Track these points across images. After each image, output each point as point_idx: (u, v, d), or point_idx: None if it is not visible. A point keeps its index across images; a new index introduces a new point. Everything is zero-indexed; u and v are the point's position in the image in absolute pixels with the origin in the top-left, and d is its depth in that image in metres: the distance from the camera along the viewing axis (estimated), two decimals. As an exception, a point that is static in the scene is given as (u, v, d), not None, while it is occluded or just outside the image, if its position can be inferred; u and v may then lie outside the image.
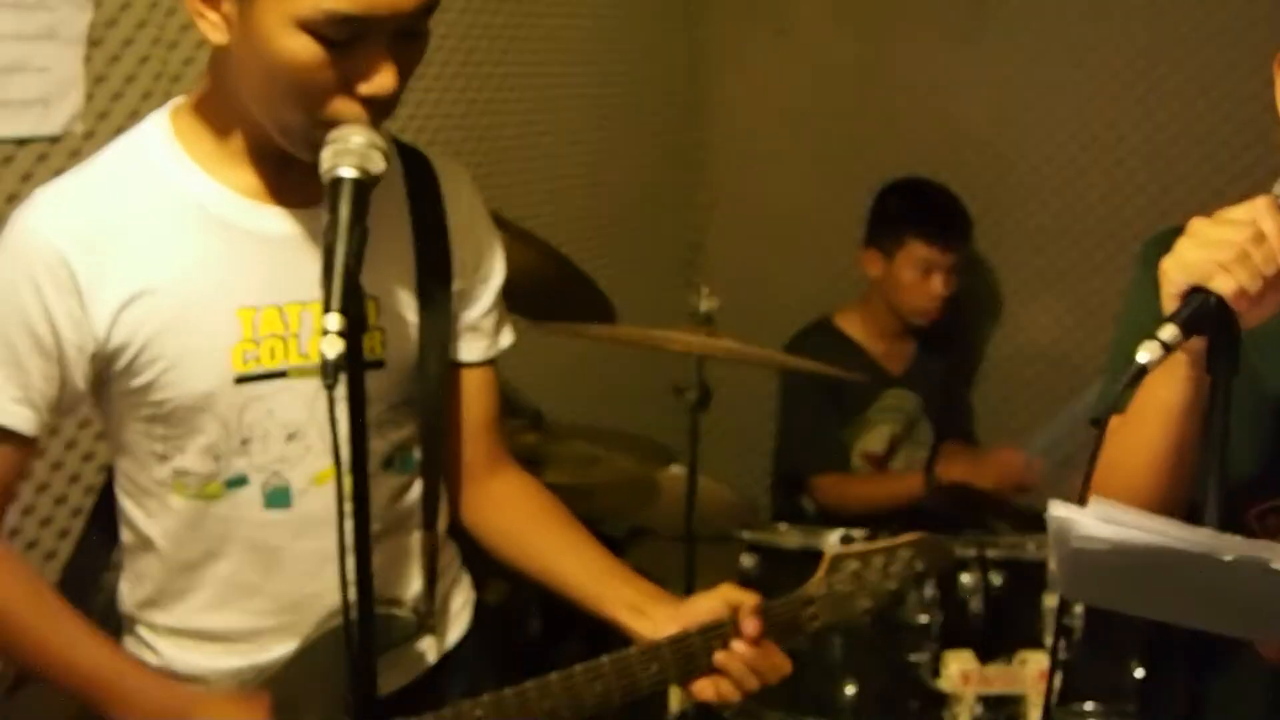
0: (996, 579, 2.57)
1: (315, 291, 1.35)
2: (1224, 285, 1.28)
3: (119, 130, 2.35)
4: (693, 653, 1.70)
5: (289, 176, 1.57)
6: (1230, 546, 1.15)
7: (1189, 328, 1.28)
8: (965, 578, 2.54)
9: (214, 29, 1.47)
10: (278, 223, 1.60)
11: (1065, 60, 3.62)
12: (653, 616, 1.73)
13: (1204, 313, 1.29)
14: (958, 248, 3.47)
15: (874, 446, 3.56)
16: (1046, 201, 3.73)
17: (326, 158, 1.41)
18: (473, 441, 1.84)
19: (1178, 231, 1.37)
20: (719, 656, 1.70)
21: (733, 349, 2.40)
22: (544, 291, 2.81)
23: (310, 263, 1.51)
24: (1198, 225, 1.34)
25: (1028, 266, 3.79)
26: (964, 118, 3.81)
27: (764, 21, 4.04)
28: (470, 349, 1.81)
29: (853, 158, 3.98)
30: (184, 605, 1.69)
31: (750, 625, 1.70)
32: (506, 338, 1.87)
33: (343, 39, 1.42)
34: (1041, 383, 3.81)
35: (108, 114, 2.42)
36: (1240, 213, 1.32)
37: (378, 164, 1.41)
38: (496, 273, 1.82)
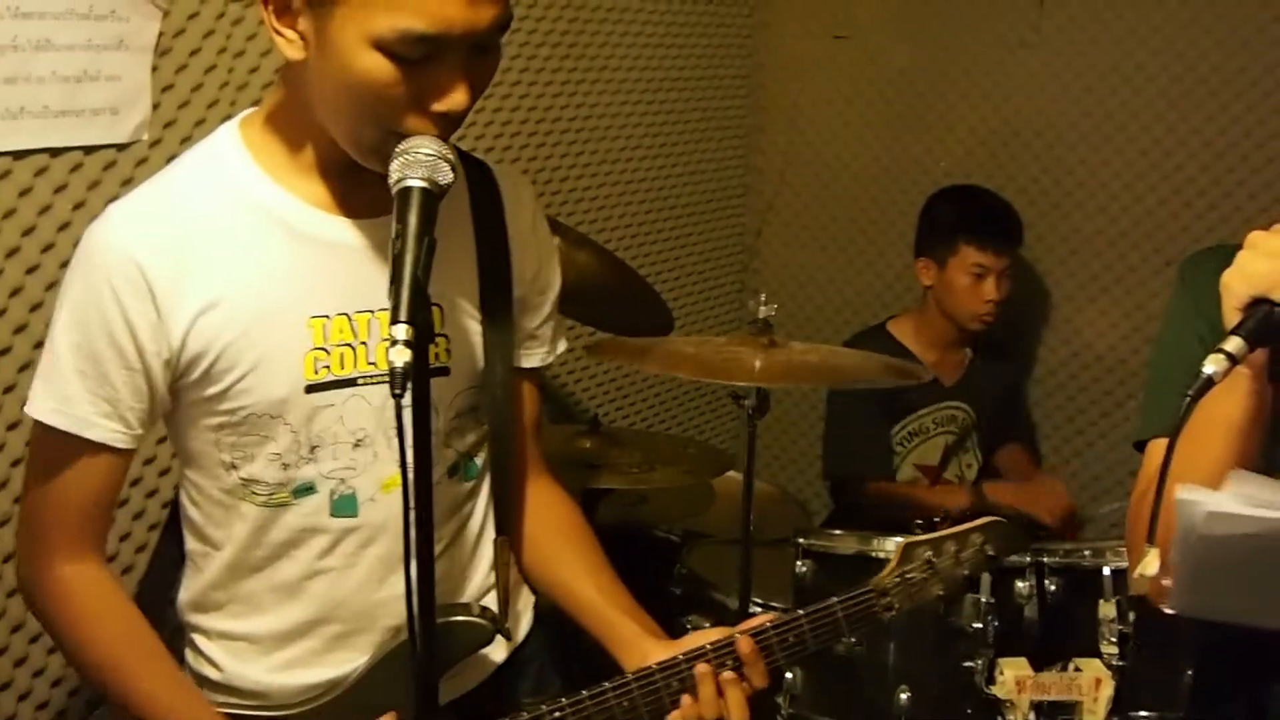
0: (1052, 585, 2.56)
1: (383, 300, 1.37)
2: None
3: (185, 139, 2.43)
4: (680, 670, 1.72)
5: (358, 187, 1.60)
6: None
7: (1255, 339, 1.29)
8: (1020, 584, 2.53)
9: (291, 46, 1.50)
10: (347, 232, 1.62)
11: (1124, 65, 3.60)
12: (648, 650, 1.75)
13: (1269, 323, 1.29)
14: (1009, 251, 3.47)
15: (928, 459, 3.57)
16: (1104, 206, 3.70)
17: (396, 168, 1.43)
18: (520, 446, 1.87)
19: (1215, 251, 1.38)
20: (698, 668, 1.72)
21: (791, 365, 2.39)
22: (603, 298, 2.84)
23: (379, 272, 1.54)
24: (1258, 237, 1.35)
25: (1084, 272, 3.77)
26: (1021, 123, 3.79)
27: (823, 27, 4.04)
28: (529, 356, 1.84)
29: (910, 163, 3.99)
30: (245, 609, 1.72)
31: (744, 644, 1.73)
32: (560, 345, 1.90)
33: (418, 57, 1.44)
34: (1098, 388, 3.79)
35: (174, 122, 2.46)
36: None
37: (446, 175, 1.44)
38: (555, 281, 1.84)
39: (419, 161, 1.43)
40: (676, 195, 3.95)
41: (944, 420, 3.57)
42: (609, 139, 3.64)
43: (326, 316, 1.61)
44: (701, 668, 1.71)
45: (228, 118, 1.69)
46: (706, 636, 1.76)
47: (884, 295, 4.06)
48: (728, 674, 1.72)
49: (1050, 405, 3.87)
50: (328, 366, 1.62)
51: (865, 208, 4.10)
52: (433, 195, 1.42)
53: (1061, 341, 3.84)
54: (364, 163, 1.53)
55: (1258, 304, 1.31)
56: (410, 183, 1.41)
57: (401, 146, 1.44)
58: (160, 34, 2.41)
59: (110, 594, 1.67)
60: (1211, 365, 1.27)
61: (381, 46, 1.43)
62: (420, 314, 1.35)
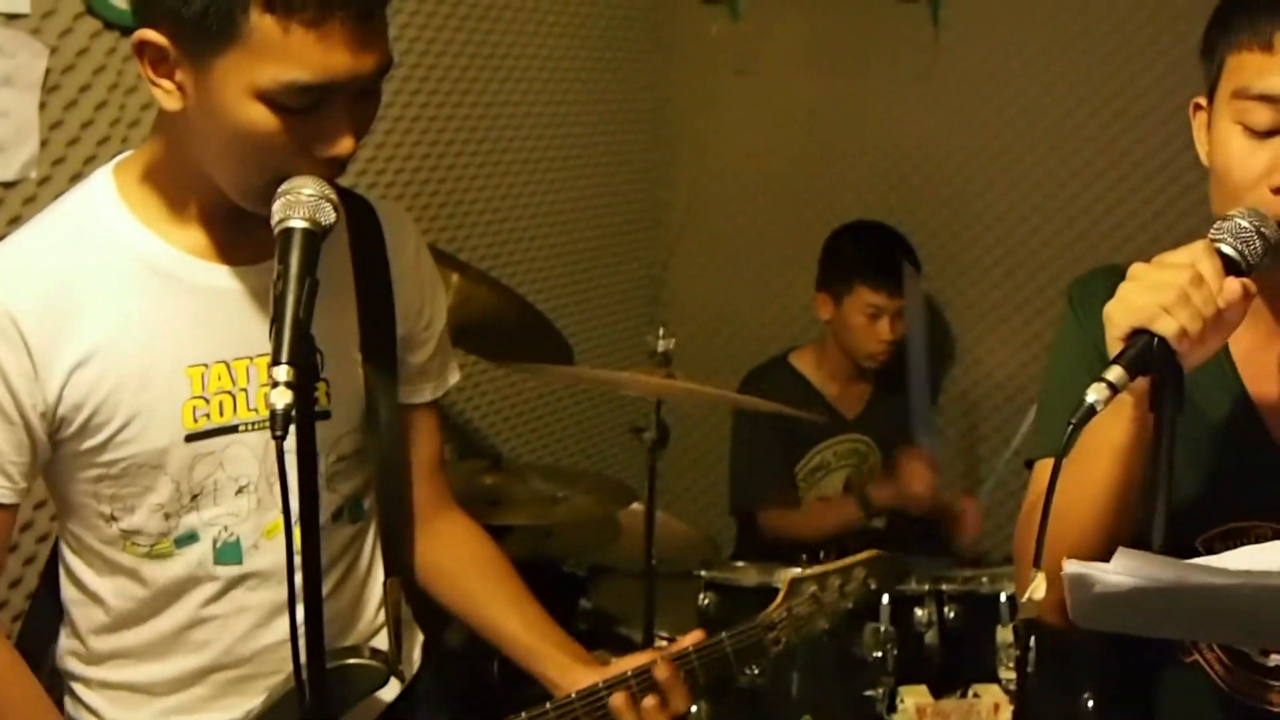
0: (951, 612, 2.59)
1: (264, 346, 1.36)
2: (1166, 327, 1.31)
3: (75, 176, 2.41)
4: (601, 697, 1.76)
5: (239, 234, 1.59)
6: (1250, 582, 1.18)
7: (1134, 369, 1.31)
8: (919, 612, 2.56)
9: (169, 97, 1.48)
10: (227, 280, 1.61)
11: (1018, 99, 3.67)
12: (579, 678, 1.77)
13: (1148, 354, 1.32)
14: (904, 293, 3.48)
15: (829, 493, 3.59)
16: (1001, 237, 3.77)
17: (277, 209, 1.42)
18: (419, 483, 1.87)
19: (1102, 273, 1.41)
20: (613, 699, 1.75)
21: (689, 389, 2.43)
22: (503, 333, 2.85)
23: (259, 318, 1.53)
24: (1139, 269, 1.37)
25: (983, 301, 3.83)
26: (920, 155, 3.85)
27: (727, 62, 4.08)
28: (416, 392, 1.83)
29: (814, 197, 4.03)
30: (129, 661, 1.69)
31: (661, 669, 1.77)
32: (452, 376, 1.89)
33: (302, 106, 1.43)
34: (999, 416, 3.84)
35: (64, 160, 2.43)
36: (1180, 256, 1.36)
37: (328, 215, 1.43)
38: (440, 316, 1.84)
39: (300, 202, 1.42)
40: (584, 229, 3.96)
41: (845, 454, 3.59)
42: (514, 174, 3.65)
43: (205, 365, 1.60)
44: (617, 700, 1.73)
45: (120, 153, 1.68)
46: (629, 663, 1.78)
47: (791, 327, 4.09)
48: (649, 701, 1.74)
49: (953, 434, 3.92)
50: (207, 415, 1.60)
51: (771, 240, 4.13)
52: (315, 235, 1.41)
53: (962, 371, 3.89)
54: (249, 208, 1.52)
55: (1138, 334, 1.33)
56: (292, 223, 1.40)
57: (283, 187, 1.43)
58: (48, 70, 2.39)
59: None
60: (1093, 394, 1.29)
61: (265, 97, 1.42)
62: (303, 355, 1.34)
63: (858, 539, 3.09)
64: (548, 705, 1.75)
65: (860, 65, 3.89)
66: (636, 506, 3.04)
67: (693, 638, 1.84)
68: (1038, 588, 1.31)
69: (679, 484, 4.30)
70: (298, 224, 1.40)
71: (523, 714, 1.73)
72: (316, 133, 1.46)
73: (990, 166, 3.75)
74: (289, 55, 1.40)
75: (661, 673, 1.76)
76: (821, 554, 1.96)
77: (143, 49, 1.46)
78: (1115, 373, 1.30)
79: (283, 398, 1.29)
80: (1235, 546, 1.55)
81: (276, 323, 1.34)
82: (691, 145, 4.20)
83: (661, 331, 2.41)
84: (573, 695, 1.75)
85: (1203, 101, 1.51)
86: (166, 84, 1.47)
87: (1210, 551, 1.57)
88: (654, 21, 4.12)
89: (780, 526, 3.48)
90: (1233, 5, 1.45)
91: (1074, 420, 1.29)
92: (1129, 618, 1.36)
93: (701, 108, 4.16)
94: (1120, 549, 1.24)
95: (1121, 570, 1.23)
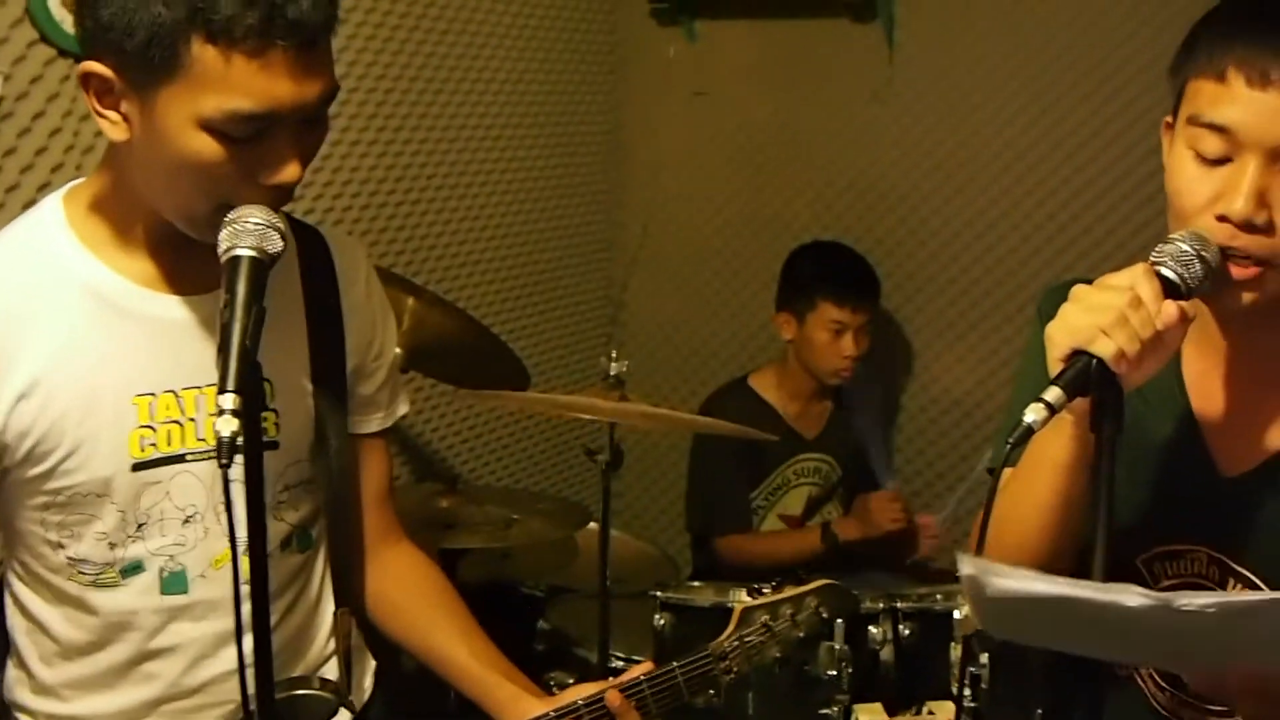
0: (906, 630, 2.60)
1: (212, 376, 1.35)
2: (1104, 349, 1.32)
3: (28, 203, 2.39)
4: None
5: (187, 263, 1.59)
6: (1133, 595, 1.19)
7: (1072, 389, 1.33)
8: (874, 630, 2.57)
9: (114, 128, 1.48)
10: (175, 309, 1.61)
11: (972, 118, 3.71)
12: (526, 709, 1.78)
13: (1086, 375, 1.33)
14: (867, 308, 3.53)
15: (791, 510, 3.61)
16: (956, 255, 3.80)
17: (224, 238, 1.42)
18: (369, 514, 1.87)
19: (1072, 285, 1.43)
20: None
21: (644, 414, 2.44)
22: (459, 357, 2.85)
23: (207, 348, 1.53)
24: (1080, 290, 1.39)
25: (940, 319, 3.86)
26: (876, 175, 3.88)
27: (682, 84, 4.11)
28: (366, 422, 1.83)
29: (771, 217, 4.06)
30: (77, 692, 1.69)
31: (614, 697, 1.78)
32: (401, 407, 1.90)
33: (246, 135, 1.44)
34: (957, 432, 3.87)
35: (17, 187, 2.43)
36: (1120, 279, 1.37)
37: (275, 244, 1.43)
38: (390, 346, 1.85)
39: (247, 230, 1.42)
40: (540, 252, 3.97)
41: (806, 472, 3.61)
42: (470, 197, 3.65)
43: (152, 394, 1.60)
44: None
45: (74, 179, 1.68)
46: (579, 692, 1.78)
47: (749, 347, 4.11)
48: None
49: (911, 451, 3.95)
50: (154, 444, 1.60)
51: (728, 260, 4.16)
52: (262, 264, 1.41)
53: (920, 388, 3.92)
54: (196, 236, 1.52)
55: (1077, 355, 1.34)
56: (239, 252, 1.40)
57: (230, 216, 1.44)
58: (1, 97, 2.39)
59: None
60: (1031, 414, 1.30)
61: (209, 127, 1.43)
62: (250, 383, 1.34)
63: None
64: None
65: (815, 86, 3.92)
66: (594, 527, 3.05)
67: (643, 668, 1.84)
68: None
69: (638, 503, 4.32)
70: (244, 252, 1.40)
71: None
72: (262, 161, 1.46)
73: (945, 185, 3.79)
74: (231, 85, 1.40)
75: (614, 700, 1.76)
76: (775, 581, 1.97)
77: (88, 80, 1.47)
78: (1053, 393, 1.32)
79: (229, 425, 1.29)
80: (1174, 568, 1.58)
81: (223, 351, 1.34)
82: (648, 167, 4.22)
83: (615, 354, 2.42)
84: None
85: (1171, 120, 1.52)
86: (113, 115, 1.48)
87: (1150, 572, 1.59)
88: (609, 44, 4.14)
89: (737, 552, 3.49)
90: (1199, 31, 1.47)
91: (1011, 440, 1.30)
92: (1027, 626, 1.37)
93: (658, 129, 4.18)
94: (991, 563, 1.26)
95: (1006, 576, 1.24)
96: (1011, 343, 3.69)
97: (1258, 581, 1.51)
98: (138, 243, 1.60)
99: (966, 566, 1.25)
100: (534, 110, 3.86)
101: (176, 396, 1.61)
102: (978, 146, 3.72)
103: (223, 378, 1.32)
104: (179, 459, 1.62)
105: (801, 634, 1.95)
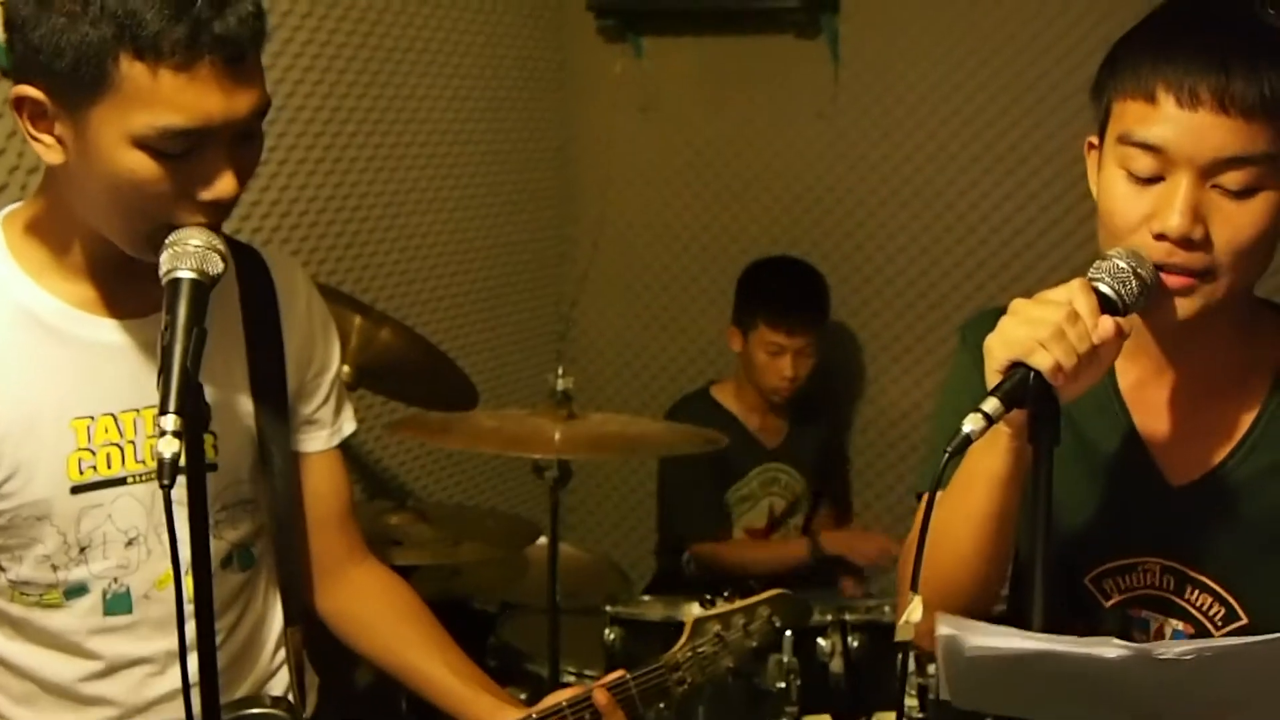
0: (855, 642, 2.62)
1: (152, 399, 1.36)
2: (1041, 361, 1.35)
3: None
4: None
5: (127, 287, 1.60)
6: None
7: (1009, 401, 1.35)
8: (823, 641, 2.59)
9: (49, 150, 1.49)
10: (114, 334, 1.61)
11: (916, 134, 3.76)
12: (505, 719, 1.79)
13: (1023, 387, 1.36)
14: (807, 332, 3.53)
15: (756, 523, 3.64)
16: (903, 270, 3.85)
17: (165, 260, 1.43)
18: (327, 532, 1.87)
19: (993, 314, 1.45)
20: None
21: (591, 442, 2.44)
22: (407, 375, 2.85)
23: (147, 371, 1.53)
24: (1019, 304, 1.41)
25: (887, 333, 3.90)
26: (822, 190, 3.92)
27: (631, 100, 4.13)
28: (310, 440, 1.84)
29: (719, 232, 4.09)
30: (31, 714, 1.68)
31: (600, 696, 1.78)
32: (348, 425, 1.90)
33: (180, 151, 1.44)
34: (905, 444, 3.91)
35: (-41, 208, 2.41)
36: (1058, 294, 1.40)
37: (215, 265, 1.44)
38: (332, 364, 1.85)
39: (188, 253, 1.43)
40: (490, 269, 3.97)
41: (769, 482, 3.65)
42: (418, 214, 3.65)
43: (90, 417, 1.60)
44: None
45: (19, 200, 1.68)
46: (559, 697, 1.80)
47: (699, 361, 4.13)
48: None
49: (861, 463, 3.98)
50: (94, 467, 1.60)
51: (677, 275, 4.18)
52: (202, 286, 1.42)
53: (867, 401, 3.96)
54: (136, 255, 1.52)
55: (1015, 367, 1.37)
56: (179, 274, 1.41)
57: (171, 238, 1.44)
58: (-55, 119, 2.37)
59: None
60: (969, 424, 1.32)
61: (142, 144, 1.43)
62: (190, 404, 1.34)
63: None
64: None
65: (761, 102, 3.96)
66: (544, 542, 3.05)
67: (607, 680, 1.84)
68: (913, 611, 1.34)
69: (595, 515, 4.33)
70: (185, 274, 1.41)
71: None
72: (197, 177, 1.47)
73: (891, 200, 3.83)
74: (161, 100, 1.41)
75: (602, 699, 1.78)
76: (725, 592, 1.98)
77: (21, 104, 1.47)
78: (991, 404, 1.34)
79: (170, 447, 1.29)
80: (1125, 582, 1.59)
81: (164, 373, 1.34)
82: (596, 183, 4.24)
83: (561, 370, 2.43)
84: None
85: (1095, 140, 1.55)
86: (47, 138, 1.48)
87: (1100, 590, 1.61)
88: (557, 61, 4.15)
89: (714, 558, 3.51)
90: (1120, 52, 1.49)
91: (950, 449, 1.32)
92: (997, 691, 1.36)
93: (606, 145, 4.20)
94: (985, 624, 1.28)
95: (984, 633, 1.26)
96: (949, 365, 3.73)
97: (1218, 588, 1.54)
98: (75, 266, 1.60)
99: (944, 626, 1.27)
100: (482, 127, 3.86)
101: (115, 419, 1.61)
102: (921, 161, 3.77)
103: (164, 399, 1.33)
104: (120, 482, 1.62)
105: (754, 644, 1.96)
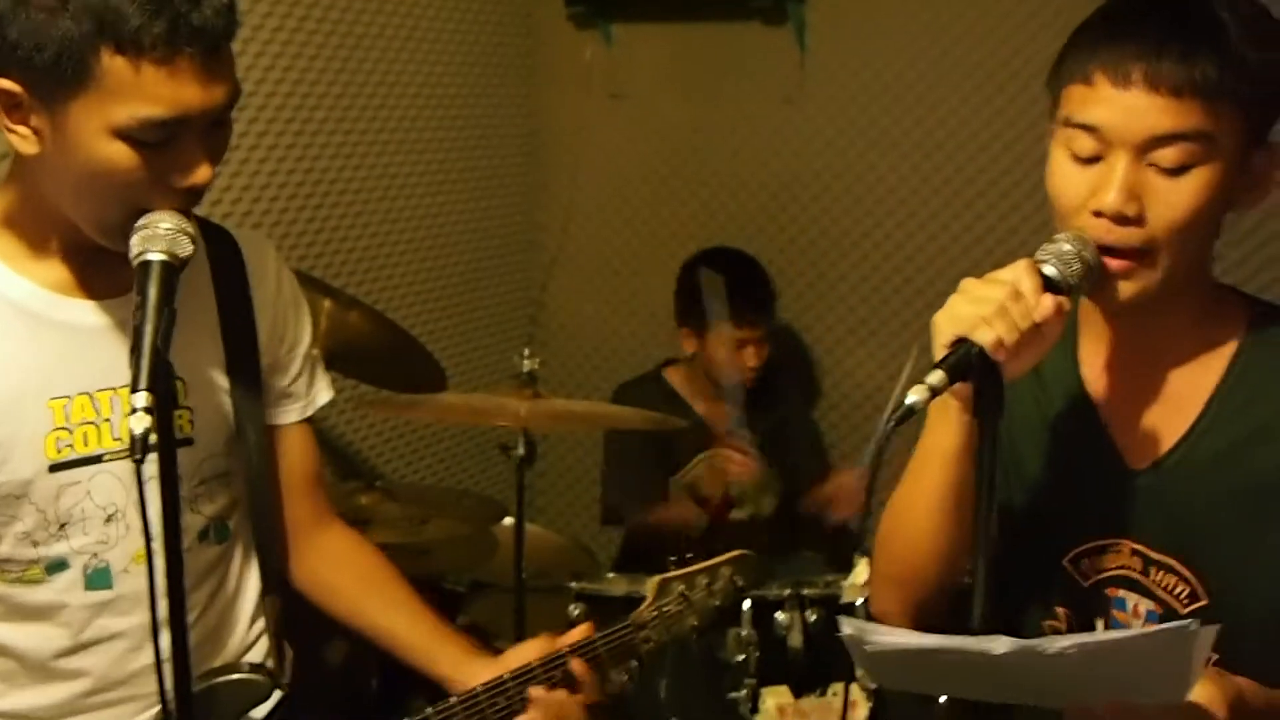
0: (812, 616, 2.67)
1: (125, 377, 1.39)
2: (984, 336, 1.40)
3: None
4: (507, 690, 1.81)
5: (100, 268, 1.63)
6: (1000, 643, 1.27)
7: (953, 374, 1.40)
8: (781, 616, 2.65)
9: (24, 142, 1.52)
10: (88, 315, 1.65)
11: (880, 120, 3.81)
12: (476, 670, 1.84)
13: (967, 360, 1.41)
14: (763, 320, 3.57)
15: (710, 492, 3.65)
16: (866, 254, 3.90)
17: (136, 243, 1.47)
18: (297, 499, 1.92)
19: None
20: (531, 691, 1.82)
21: (553, 413, 2.50)
22: (376, 358, 2.89)
23: (120, 350, 1.56)
24: (968, 283, 1.47)
25: (851, 316, 3.96)
26: (789, 176, 3.97)
27: (599, 86, 4.17)
28: (284, 413, 1.89)
29: (688, 217, 4.14)
30: (12, 688, 1.72)
31: (577, 665, 1.84)
32: (323, 395, 1.95)
33: (158, 141, 1.49)
34: (868, 426, 3.96)
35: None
36: (1004, 273, 1.46)
37: (185, 248, 1.48)
38: (304, 338, 1.90)
39: (158, 235, 1.46)
40: (458, 253, 4.01)
41: (716, 469, 3.63)
42: (388, 199, 3.69)
43: (67, 397, 1.64)
44: (535, 692, 1.80)
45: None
46: (528, 655, 1.84)
47: (666, 346, 4.16)
48: (560, 694, 1.81)
49: (824, 443, 4.03)
50: (71, 445, 1.64)
51: (645, 260, 4.23)
52: (172, 267, 1.45)
53: (830, 385, 4.02)
54: (108, 244, 1.56)
55: (960, 343, 1.42)
56: (150, 256, 1.45)
57: (141, 222, 1.48)
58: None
59: None
60: (914, 395, 1.37)
61: (122, 135, 1.47)
62: (161, 382, 1.38)
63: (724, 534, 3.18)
64: (452, 699, 1.79)
65: (729, 89, 4.01)
66: (510, 521, 3.10)
67: (574, 635, 1.89)
68: (858, 573, 1.40)
69: (565, 496, 4.38)
70: (155, 256, 1.45)
71: (429, 710, 1.77)
72: (173, 165, 1.51)
73: (855, 187, 3.89)
74: (142, 93, 1.45)
75: (578, 668, 1.83)
76: (689, 555, 2.03)
77: None
78: (935, 376, 1.39)
79: (141, 423, 1.33)
80: (1101, 562, 1.63)
81: (135, 351, 1.38)
82: (565, 168, 4.28)
83: (526, 352, 2.48)
84: (477, 689, 1.80)
85: (1052, 127, 1.61)
86: (22, 130, 1.51)
87: (1078, 570, 1.65)
88: (526, 47, 4.20)
89: (645, 532, 3.53)
90: (1070, 43, 1.56)
91: (893, 419, 1.37)
92: (907, 675, 1.44)
93: (575, 131, 4.25)
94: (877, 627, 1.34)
95: (883, 634, 1.32)
96: (918, 340, 3.76)
97: (1180, 568, 1.57)
98: (49, 251, 1.63)
99: (846, 628, 1.34)
100: (451, 112, 3.90)
101: (91, 398, 1.65)
102: (886, 146, 3.82)
103: (135, 377, 1.36)
104: (97, 459, 1.66)
105: (717, 602, 2.01)
